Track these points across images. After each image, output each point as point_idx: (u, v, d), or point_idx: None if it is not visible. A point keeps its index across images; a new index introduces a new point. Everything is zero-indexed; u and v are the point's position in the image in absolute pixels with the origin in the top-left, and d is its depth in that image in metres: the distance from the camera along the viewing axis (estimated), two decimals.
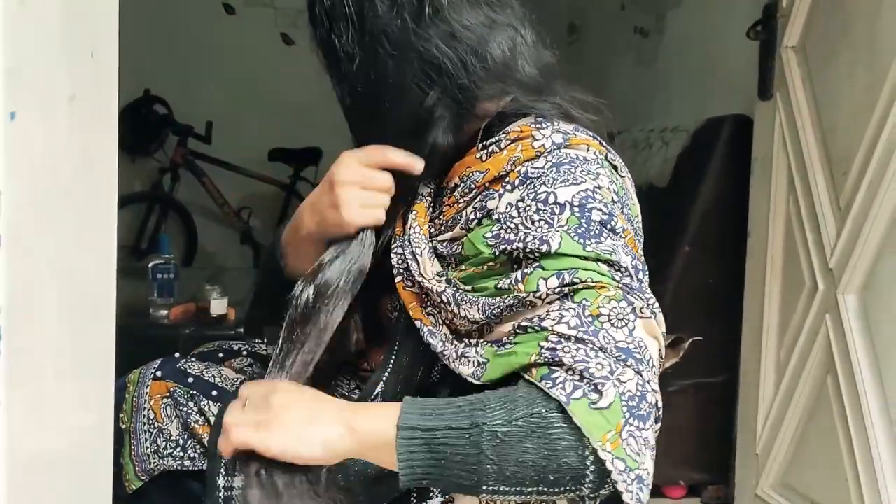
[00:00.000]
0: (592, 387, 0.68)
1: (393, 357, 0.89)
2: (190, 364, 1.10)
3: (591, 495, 0.71)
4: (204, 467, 1.00)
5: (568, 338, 0.71)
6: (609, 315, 0.72)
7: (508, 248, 0.78)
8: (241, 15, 4.13)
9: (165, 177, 4.12)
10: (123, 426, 1.07)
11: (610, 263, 0.75)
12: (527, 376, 0.73)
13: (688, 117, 2.31)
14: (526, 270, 0.76)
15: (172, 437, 1.03)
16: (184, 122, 3.97)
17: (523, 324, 0.75)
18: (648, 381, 0.71)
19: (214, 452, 0.98)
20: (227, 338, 1.74)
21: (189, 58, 4.05)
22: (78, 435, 0.61)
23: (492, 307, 0.77)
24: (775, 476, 1.79)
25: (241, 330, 1.77)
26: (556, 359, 0.70)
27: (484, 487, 0.70)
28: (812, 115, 1.70)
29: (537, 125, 0.87)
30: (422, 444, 0.70)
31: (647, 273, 0.82)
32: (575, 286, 0.73)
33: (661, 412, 0.75)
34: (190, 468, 1.03)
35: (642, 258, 0.83)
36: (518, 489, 0.70)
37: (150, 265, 2.04)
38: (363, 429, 0.73)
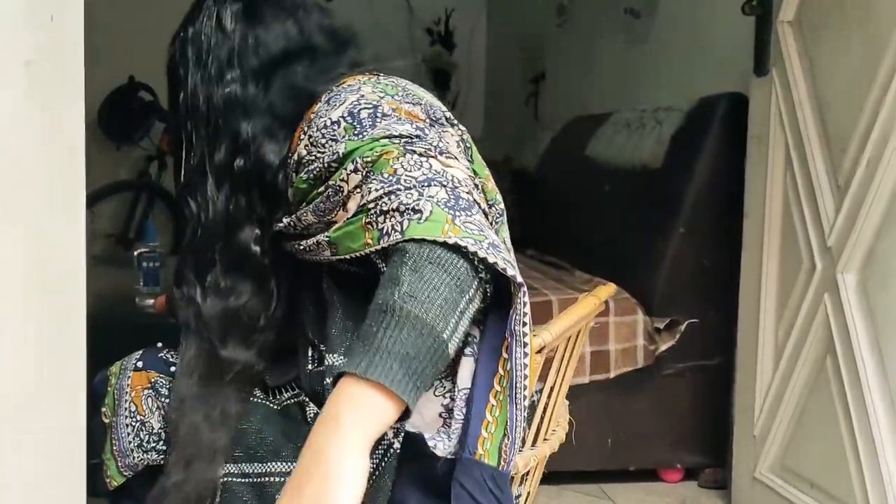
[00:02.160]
0: (411, 210, 0.75)
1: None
2: (172, 353, 1.06)
3: (487, 279, 0.76)
4: None
5: (380, 197, 0.78)
6: (403, 166, 0.79)
7: (314, 172, 0.87)
8: None
9: (152, 165, 4.06)
10: (106, 420, 1.04)
11: (387, 138, 0.83)
12: (371, 251, 0.79)
13: (681, 97, 2.27)
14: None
15: (154, 430, 1.00)
16: None
17: (351, 216, 0.82)
18: (456, 188, 0.78)
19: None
20: None
21: None
22: (51, 424, 0.57)
23: (318, 204, 0.86)
24: (773, 458, 1.77)
25: None
26: (379, 210, 0.77)
27: (444, 336, 0.71)
28: (809, 90, 1.67)
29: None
30: (406, 378, 0.69)
31: (440, 124, 0.89)
32: (367, 164, 0.81)
33: (485, 206, 0.84)
34: None
35: (424, 117, 0.88)
36: (452, 310, 0.72)
37: (135, 253, 2.01)
38: (370, 430, 0.69)
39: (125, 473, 0.99)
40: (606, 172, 2.40)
